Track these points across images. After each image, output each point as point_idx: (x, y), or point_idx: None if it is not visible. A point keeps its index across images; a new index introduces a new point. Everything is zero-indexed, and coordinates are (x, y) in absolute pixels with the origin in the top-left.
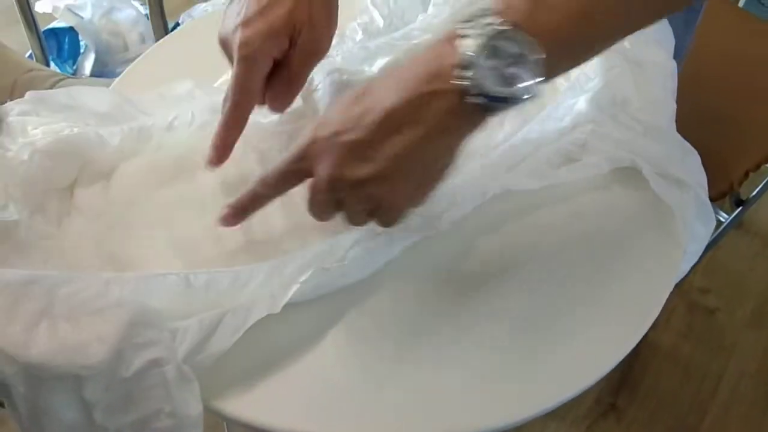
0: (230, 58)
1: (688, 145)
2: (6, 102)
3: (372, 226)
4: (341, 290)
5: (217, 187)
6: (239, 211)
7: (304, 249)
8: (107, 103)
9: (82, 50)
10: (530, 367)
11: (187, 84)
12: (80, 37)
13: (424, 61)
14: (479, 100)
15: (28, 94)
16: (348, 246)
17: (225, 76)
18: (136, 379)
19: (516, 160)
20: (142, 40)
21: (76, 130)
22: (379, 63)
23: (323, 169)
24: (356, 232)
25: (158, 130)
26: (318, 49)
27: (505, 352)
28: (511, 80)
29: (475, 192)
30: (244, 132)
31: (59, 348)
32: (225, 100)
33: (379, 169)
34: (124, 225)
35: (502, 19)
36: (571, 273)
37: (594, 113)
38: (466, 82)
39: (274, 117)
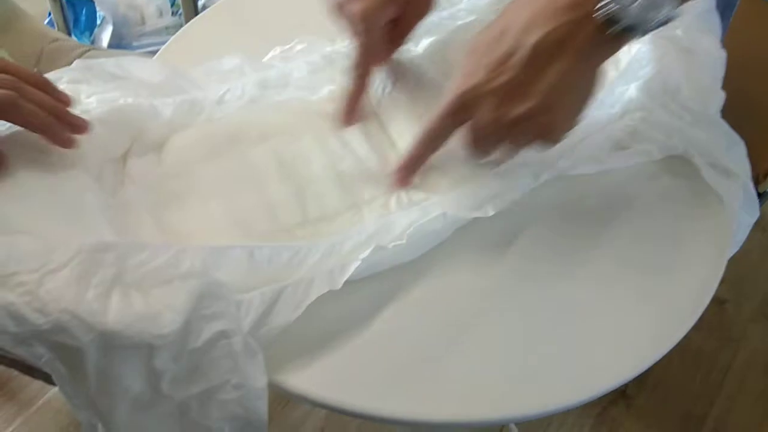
0: (347, 25)
1: (735, 134)
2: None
3: (442, 197)
4: (394, 268)
5: (270, 163)
6: (408, 173)
7: (360, 227)
8: (158, 75)
9: (98, 22)
10: (576, 354)
11: (235, 59)
12: (97, 9)
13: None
14: (621, 27)
15: (77, 63)
16: (404, 225)
17: (272, 52)
18: (204, 350)
19: (567, 146)
20: (160, 14)
21: (130, 100)
22: (425, 43)
23: (485, 114)
24: (411, 213)
25: (209, 103)
26: (426, 9)
27: (550, 339)
28: (651, 7)
29: (528, 175)
30: (299, 111)
31: (133, 316)
32: (352, 67)
33: (538, 103)
34: (179, 197)
35: None
36: (619, 262)
37: (644, 101)
38: (610, 9)
39: (324, 95)
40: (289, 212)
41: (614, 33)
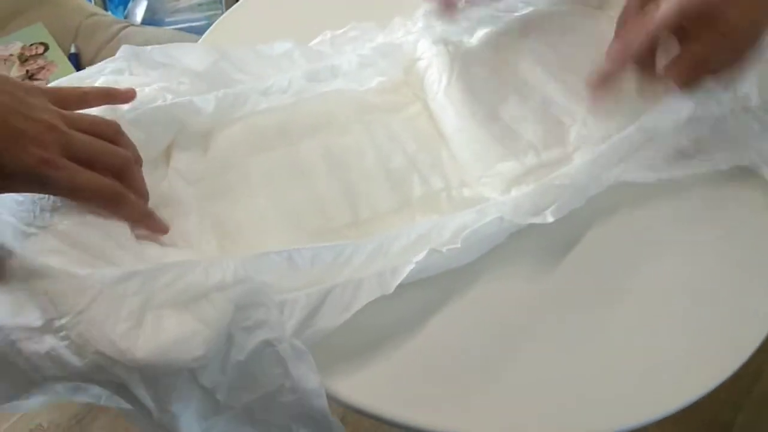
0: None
1: None
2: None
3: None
4: (445, 272)
5: (319, 157)
6: (604, 88)
7: (409, 228)
8: (204, 62)
9: None
10: (630, 375)
11: (286, 44)
12: None
13: None
14: None
15: (122, 50)
16: (455, 227)
17: (322, 36)
18: (252, 361)
19: (629, 152)
20: None
21: (169, 97)
22: (479, 34)
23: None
24: (465, 215)
25: (254, 95)
26: None
27: (605, 357)
28: None
29: (589, 182)
30: (348, 103)
31: (165, 345)
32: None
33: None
34: (227, 191)
35: None
36: (680, 282)
37: (711, 108)
38: None
39: (372, 86)
40: (339, 211)
41: None
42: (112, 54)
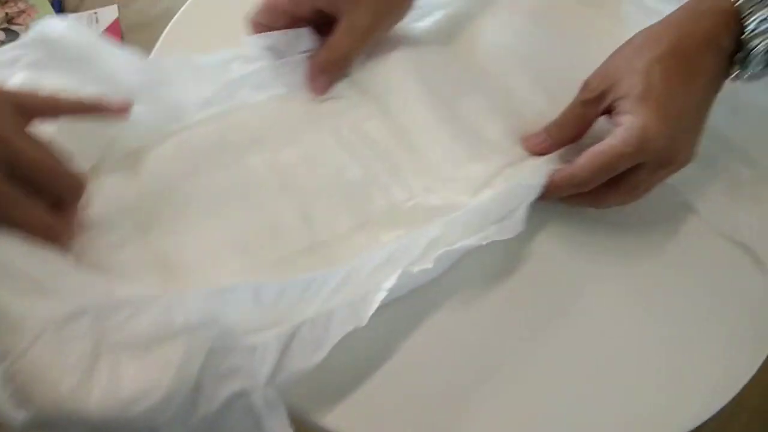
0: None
1: None
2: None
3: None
4: (415, 290)
5: (268, 172)
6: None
7: (375, 252)
8: (134, 70)
9: None
10: (615, 400)
11: (225, 53)
12: None
13: (705, 41)
14: (741, 77)
15: (33, 35)
16: (424, 243)
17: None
18: (220, 413)
19: None
20: None
21: None
22: (434, 18)
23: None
24: (433, 229)
25: (192, 107)
26: None
27: (591, 379)
28: None
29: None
30: (296, 110)
31: (124, 398)
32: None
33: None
34: (165, 219)
35: None
36: (671, 301)
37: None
38: (739, 71)
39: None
40: (294, 235)
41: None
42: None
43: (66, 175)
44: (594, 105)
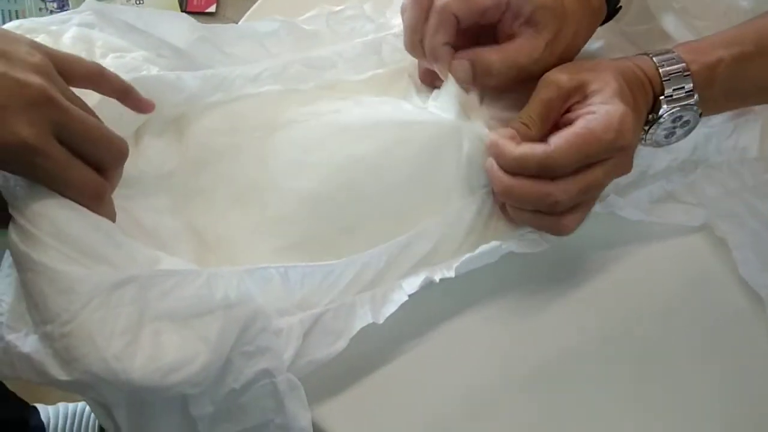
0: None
1: None
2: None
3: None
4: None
5: (310, 149)
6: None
7: (392, 242)
8: (185, 36)
9: None
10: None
11: (273, 23)
12: None
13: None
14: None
15: (87, 3)
16: (437, 236)
17: (315, 11)
18: (245, 390)
19: (622, 184)
20: None
21: (154, 70)
22: None
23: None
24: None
25: (242, 81)
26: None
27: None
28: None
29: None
30: (342, 93)
31: (165, 367)
32: None
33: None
34: (203, 191)
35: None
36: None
37: (709, 154)
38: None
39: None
40: (331, 215)
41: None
42: None
43: (111, 139)
44: (559, 102)
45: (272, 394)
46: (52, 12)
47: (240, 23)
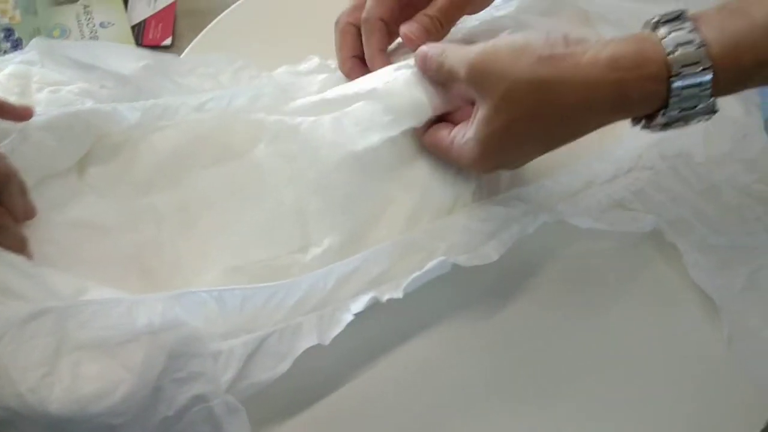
0: None
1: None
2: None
3: None
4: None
5: (277, 164)
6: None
7: (342, 262)
8: (131, 65)
9: None
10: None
11: (237, 62)
12: None
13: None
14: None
15: (33, 43)
16: (387, 259)
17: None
18: (180, 417)
19: (568, 192)
20: None
21: (89, 102)
22: None
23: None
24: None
25: (186, 110)
26: None
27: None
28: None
29: (525, 215)
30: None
31: (86, 396)
32: None
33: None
34: (152, 215)
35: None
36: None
37: (654, 160)
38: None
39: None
40: (287, 235)
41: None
42: None
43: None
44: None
45: (208, 419)
46: (6, 52)
47: (183, 55)
